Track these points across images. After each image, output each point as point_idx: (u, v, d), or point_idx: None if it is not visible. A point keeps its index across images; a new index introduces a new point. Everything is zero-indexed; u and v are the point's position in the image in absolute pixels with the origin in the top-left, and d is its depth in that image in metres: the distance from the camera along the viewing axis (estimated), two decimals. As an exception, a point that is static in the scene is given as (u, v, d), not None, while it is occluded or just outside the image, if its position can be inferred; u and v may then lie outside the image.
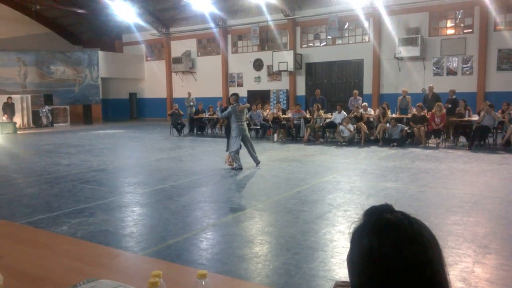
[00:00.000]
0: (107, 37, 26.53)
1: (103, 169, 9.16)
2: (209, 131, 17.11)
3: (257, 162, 9.11)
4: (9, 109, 20.25)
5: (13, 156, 11.73)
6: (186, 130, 16.96)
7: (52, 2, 23.27)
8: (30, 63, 23.27)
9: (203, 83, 23.83)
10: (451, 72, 17.15)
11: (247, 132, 9.11)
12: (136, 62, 26.63)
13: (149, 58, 26.81)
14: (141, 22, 23.78)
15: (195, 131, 16.99)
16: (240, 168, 8.80)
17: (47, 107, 22.36)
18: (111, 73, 25.34)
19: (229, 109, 8.80)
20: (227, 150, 9.25)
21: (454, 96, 13.11)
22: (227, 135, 9.24)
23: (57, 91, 23.64)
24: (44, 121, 22.13)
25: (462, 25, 17.13)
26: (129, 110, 27.56)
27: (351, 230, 0.93)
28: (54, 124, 22.63)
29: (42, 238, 2.19)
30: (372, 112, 14.21)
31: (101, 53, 24.63)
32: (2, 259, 1.74)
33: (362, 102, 14.96)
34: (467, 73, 16.87)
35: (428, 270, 0.83)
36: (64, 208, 5.97)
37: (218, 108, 8.82)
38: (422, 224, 0.88)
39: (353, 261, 0.89)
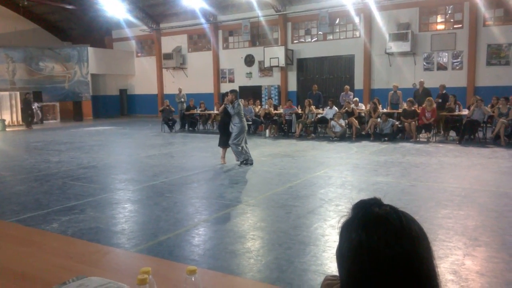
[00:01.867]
0: (97, 33, 26.26)
1: (94, 166, 9.09)
2: (201, 127, 17.05)
3: (247, 161, 8.89)
4: None
5: (2, 154, 11.60)
6: (177, 126, 16.89)
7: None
8: (18, 60, 22.97)
9: (194, 79, 23.72)
10: (441, 67, 17.25)
11: (246, 128, 9.13)
12: (126, 58, 26.41)
13: (139, 54, 26.62)
14: (131, 18, 23.56)
15: (186, 127, 16.92)
16: (251, 163, 8.78)
17: (36, 104, 22.11)
18: (101, 69, 25.11)
19: (238, 105, 8.68)
20: (219, 145, 9.19)
21: (444, 91, 13.19)
22: (222, 131, 9.12)
23: (47, 87, 23.39)
24: (34, 118, 21.88)
25: (452, 20, 17.22)
26: (120, 106, 27.36)
27: (340, 224, 0.93)
28: (44, 121, 22.40)
29: (32, 236, 2.17)
30: (363, 107, 14.25)
31: (90, 49, 24.40)
32: (-10, 257, 1.71)
33: (353, 97, 15.00)
34: (457, 68, 16.99)
35: (417, 263, 0.83)
36: (54, 205, 5.92)
37: (229, 105, 8.68)
38: (410, 218, 0.88)
39: (342, 255, 0.89)
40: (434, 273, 0.85)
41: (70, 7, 22.89)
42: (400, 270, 0.81)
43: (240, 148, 8.73)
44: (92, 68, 24.45)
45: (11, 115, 20.94)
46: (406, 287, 0.82)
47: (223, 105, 8.92)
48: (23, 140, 14.97)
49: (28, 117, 19.72)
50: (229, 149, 9.02)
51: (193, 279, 1.20)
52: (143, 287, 1.14)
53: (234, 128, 8.74)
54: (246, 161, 8.84)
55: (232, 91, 8.98)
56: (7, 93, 21.17)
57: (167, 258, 3.67)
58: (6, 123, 19.50)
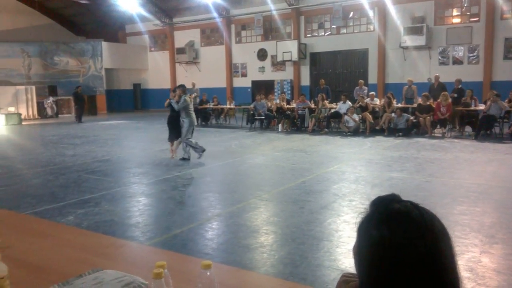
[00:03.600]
0: (111, 28, 26.44)
1: (108, 160, 9.17)
2: (213, 121, 17.08)
3: (201, 152, 8.83)
4: None
5: (19, 147, 11.78)
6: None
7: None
8: (34, 54, 23.30)
9: (207, 73, 23.75)
10: (457, 61, 16.98)
11: (196, 123, 9.13)
12: (139, 53, 26.56)
13: (152, 49, 26.72)
14: (144, 13, 23.66)
15: (199, 121, 16.95)
16: (203, 150, 8.81)
17: (51, 98, 22.40)
18: (114, 63, 25.29)
19: (184, 101, 8.64)
20: (168, 139, 9.20)
21: (460, 86, 12.99)
22: (170, 126, 9.11)
23: (61, 82, 23.67)
24: (49, 112, 22.18)
25: (468, 13, 16.91)
26: (133, 100, 27.55)
27: (358, 221, 0.91)
28: (59, 115, 22.68)
29: (48, 228, 2.19)
30: (378, 102, 14.11)
31: (104, 44, 24.58)
32: (8, 249, 1.73)
33: (368, 92, 14.86)
34: (473, 62, 16.70)
35: (439, 259, 0.81)
36: (70, 198, 5.99)
37: (173, 100, 8.70)
38: (432, 214, 0.86)
39: (361, 253, 0.87)
40: (455, 270, 0.83)
41: (84, 1, 23.06)
42: (423, 267, 0.80)
43: (193, 143, 8.78)
44: (106, 63, 24.64)
45: (27, 109, 21.22)
46: (428, 284, 0.80)
47: (168, 100, 8.90)
48: (38, 134, 15.17)
49: (79, 110, 19.36)
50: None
51: (208, 273, 1.20)
52: (159, 281, 1.14)
53: (183, 125, 8.73)
54: (203, 151, 8.80)
55: (180, 86, 9.03)
56: (23, 87, 21.46)
57: (180, 252, 3.69)
58: (22, 116, 19.77)
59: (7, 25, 23.57)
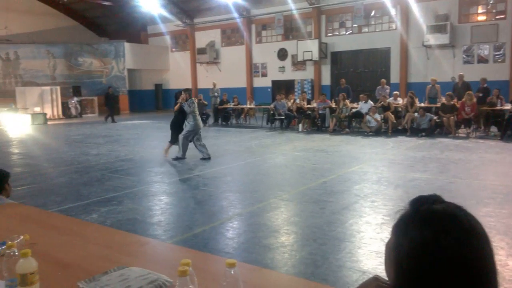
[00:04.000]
0: (133, 29, 26.84)
1: (131, 159, 9.31)
2: (234, 121, 17.14)
3: (209, 156, 8.97)
4: None
5: (44, 146, 12.05)
6: (211, 120, 17.05)
7: (79, -6, 23.70)
8: (59, 56, 23.83)
9: (227, 73, 23.84)
10: (482, 60, 16.61)
11: (201, 126, 9.19)
12: (161, 53, 26.86)
13: (173, 49, 26.99)
14: (166, 13, 23.92)
15: (219, 121, 17.05)
16: (184, 158, 8.92)
17: (75, 98, 22.85)
18: (137, 64, 25.65)
19: (192, 102, 8.82)
20: (170, 141, 9.25)
21: (485, 85, 12.70)
22: (174, 129, 9.14)
23: (85, 82, 24.14)
24: (73, 112, 22.64)
25: (494, 11, 16.52)
26: (155, 100, 27.88)
27: (396, 219, 0.90)
28: (83, 115, 23.13)
29: (74, 226, 2.23)
30: (400, 101, 13.92)
31: (127, 45, 24.95)
32: (36, 245, 1.78)
33: (390, 91, 14.67)
34: (499, 60, 16.30)
35: (483, 262, 0.80)
36: (94, 196, 6.10)
37: (185, 104, 8.78)
38: (473, 215, 0.85)
39: (399, 253, 0.85)
40: (496, 273, 0.82)
41: (107, 3, 23.47)
42: (468, 269, 0.79)
43: (187, 142, 8.88)
44: (129, 63, 25.01)
45: (51, 108, 21.72)
46: (471, 286, 0.79)
47: (179, 103, 8.89)
48: (63, 133, 15.50)
49: (111, 111, 19.27)
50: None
51: (232, 272, 1.20)
52: (184, 279, 1.15)
53: (187, 126, 8.81)
54: (206, 157, 8.89)
55: (186, 90, 9.11)
56: (48, 87, 21.97)
57: (202, 251, 3.71)
58: (47, 116, 20.24)
59: (34, 27, 24.18)
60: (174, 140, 9.21)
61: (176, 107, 8.99)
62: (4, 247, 1.65)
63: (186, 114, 8.84)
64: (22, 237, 1.81)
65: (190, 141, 9.01)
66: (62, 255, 1.74)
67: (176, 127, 9.12)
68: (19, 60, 22.97)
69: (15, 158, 10.11)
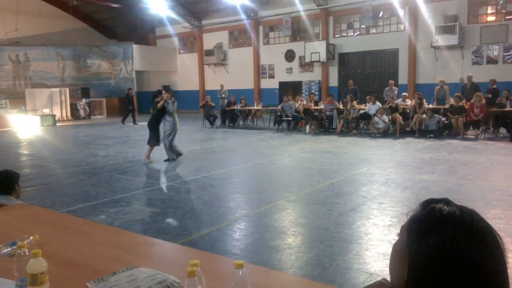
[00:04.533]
0: (141, 31, 26.98)
1: (139, 160, 9.35)
2: (241, 122, 17.16)
3: (179, 154, 9.15)
4: None
5: (53, 148, 12.15)
6: (218, 122, 17.08)
7: (88, -3, 23.89)
8: (68, 57, 24.02)
9: (235, 75, 23.88)
10: (491, 61, 16.47)
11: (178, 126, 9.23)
12: (169, 55, 26.97)
13: (181, 51, 27.09)
14: (174, 15, 24.02)
15: (227, 122, 17.09)
16: (176, 157, 9.06)
17: (84, 100, 23.03)
18: (145, 66, 25.78)
19: (175, 103, 8.95)
20: (149, 144, 9.12)
21: (494, 86, 12.60)
22: (153, 128, 9.08)
23: (94, 84, 24.31)
24: (82, 113, 22.81)
25: (503, 11, 16.38)
26: (163, 102, 27.97)
27: (407, 220, 0.92)
28: (91, 117, 23.28)
29: (83, 226, 2.25)
30: (408, 103, 13.85)
31: (135, 47, 25.09)
32: (45, 246, 1.80)
33: (399, 93, 14.60)
34: (509, 61, 16.16)
35: (497, 266, 0.84)
36: (102, 197, 6.14)
37: (170, 102, 8.87)
38: (485, 221, 0.88)
39: (414, 254, 0.86)
40: (507, 274, 0.86)
41: (116, 5, 23.63)
42: (484, 269, 0.82)
43: (174, 144, 8.99)
44: (137, 65, 25.14)
45: (60, 110, 21.90)
46: (487, 286, 0.82)
47: (164, 101, 8.87)
48: (72, 135, 15.62)
49: (129, 112, 19.19)
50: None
51: (240, 273, 1.21)
52: (192, 279, 1.16)
53: (167, 125, 8.84)
54: (179, 155, 9.07)
55: (168, 89, 9.22)
56: (57, 89, 22.16)
57: (209, 251, 3.72)
58: (56, 118, 20.41)
59: (43, 30, 24.41)
60: (153, 142, 9.08)
61: (160, 104, 8.88)
62: (14, 247, 1.67)
63: (164, 114, 8.89)
64: (32, 237, 1.83)
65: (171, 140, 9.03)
66: (71, 255, 1.76)
67: (156, 126, 9.08)
68: (29, 62, 23.19)
69: (24, 159, 10.21)
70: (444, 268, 0.82)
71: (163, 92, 9.17)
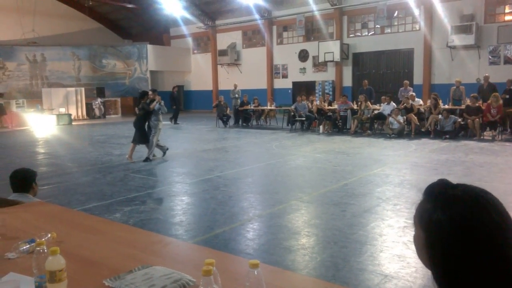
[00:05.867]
0: (156, 31, 27.18)
1: (153, 159, 9.41)
2: (254, 122, 17.17)
3: (164, 151, 9.56)
4: None
5: (69, 146, 12.31)
6: (231, 121, 17.12)
7: (103, -3, 24.17)
8: (83, 57, 24.32)
9: (248, 75, 23.90)
10: (509, 61, 16.19)
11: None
12: (183, 55, 27.12)
13: (195, 51, 27.22)
14: (188, 16, 24.15)
15: (240, 122, 17.11)
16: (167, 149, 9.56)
17: (99, 99, 23.28)
18: (159, 66, 25.96)
19: (159, 104, 9.20)
20: (133, 142, 9.23)
21: (512, 86, 12.39)
22: (139, 127, 9.22)
23: (109, 84, 24.56)
24: (97, 112, 23.07)
25: (522, 10, 16.10)
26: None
27: (415, 212, 0.96)
28: (106, 116, 23.53)
29: (98, 224, 2.28)
30: (421, 102, 13.70)
31: (150, 47, 25.28)
32: (62, 243, 1.82)
33: (417, 94, 14.45)
34: (527, 61, 15.87)
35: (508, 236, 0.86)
36: (117, 196, 6.20)
37: (162, 103, 9.18)
38: (492, 195, 0.93)
39: (430, 239, 0.89)
40: None
41: (131, 6, 23.85)
42: (494, 242, 0.85)
43: (160, 143, 9.45)
44: (151, 65, 25.33)
45: (76, 109, 22.17)
46: (498, 261, 0.84)
47: (156, 102, 9.15)
48: (87, 134, 15.81)
49: (176, 111, 18.73)
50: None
51: (255, 272, 1.21)
52: (208, 278, 1.16)
53: (153, 124, 9.14)
54: (165, 152, 9.56)
55: (154, 91, 9.67)
56: (73, 89, 22.44)
57: (222, 251, 3.73)
58: (72, 117, 20.67)
59: (60, 30, 24.76)
60: (140, 140, 9.23)
61: (153, 105, 9.11)
62: (33, 244, 1.70)
63: (151, 114, 9.16)
64: (49, 235, 1.86)
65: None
66: (88, 253, 1.78)
67: (142, 126, 9.26)
68: (46, 62, 23.53)
69: (41, 158, 10.36)
70: (465, 240, 0.85)
71: (150, 93, 9.50)
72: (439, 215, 0.88)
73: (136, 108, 9.56)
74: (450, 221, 0.86)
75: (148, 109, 9.07)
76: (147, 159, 9.15)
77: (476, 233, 0.84)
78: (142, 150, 9.45)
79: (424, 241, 0.91)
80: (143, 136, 9.19)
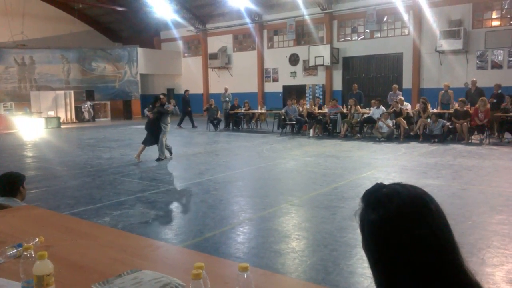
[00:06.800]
0: (146, 34, 27.08)
1: (142, 163, 9.37)
2: (245, 126, 17.17)
3: (163, 158, 9.71)
4: None
5: (58, 150, 12.20)
6: (222, 125, 17.11)
7: (93, 0, 24.01)
8: (73, 60, 24.14)
9: (239, 78, 23.92)
10: (496, 66, 16.42)
11: None
12: (173, 58, 27.05)
13: (186, 55, 27.17)
14: (179, 19, 24.11)
15: (230, 126, 17.11)
16: (170, 155, 9.87)
17: (89, 103, 23.12)
18: (149, 69, 25.86)
19: (174, 107, 9.87)
20: (143, 143, 9.64)
21: (499, 91, 12.57)
22: (151, 130, 9.60)
23: (98, 87, 24.41)
24: (86, 116, 22.90)
25: (508, 16, 16.34)
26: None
27: (357, 219, 0.97)
28: (96, 119, 23.36)
29: (87, 228, 2.26)
30: (409, 106, 13.83)
31: (140, 50, 25.19)
32: (50, 248, 1.80)
33: (405, 98, 14.57)
34: (514, 66, 16.10)
35: (437, 234, 0.86)
36: (106, 200, 6.16)
37: (175, 106, 9.63)
38: (422, 190, 0.94)
39: (367, 240, 0.92)
40: (453, 241, 0.89)
41: (121, 9, 23.76)
42: (423, 241, 0.86)
43: (166, 143, 9.75)
44: (141, 68, 25.22)
45: (65, 112, 22.00)
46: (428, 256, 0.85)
47: (171, 106, 9.88)
48: (76, 137, 15.68)
49: (185, 115, 18.40)
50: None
51: (245, 276, 1.21)
52: (197, 282, 1.16)
53: (165, 127, 9.52)
54: (171, 153, 9.90)
55: (164, 96, 10.11)
56: (62, 92, 22.27)
57: (212, 255, 3.72)
58: (61, 120, 20.50)
59: (49, 32, 24.56)
60: (151, 142, 9.62)
61: (170, 108, 9.75)
62: (20, 249, 1.68)
63: (162, 117, 9.50)
64: (37, 239, 1.84)
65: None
66: (76, 257, 1.77)
67: (153, 128, 9.60)
68: (34, 65, 23.31)
69: (29, 161, 10.25)
70: (392, 233, 0.86)
71: (162, 97, 9.81)
72: (370, 215, 0.89)
73: (148, 112, 9.78)
74: (380, 221, 0.87)
75: (165, 112, 9.50)
76: (159, 159, 9.54)
77: (407, 231, 0.84)
78: (148, 151, 9.52)
79: (363, 245, 0.92)
80: (155, 138, 9.56)
